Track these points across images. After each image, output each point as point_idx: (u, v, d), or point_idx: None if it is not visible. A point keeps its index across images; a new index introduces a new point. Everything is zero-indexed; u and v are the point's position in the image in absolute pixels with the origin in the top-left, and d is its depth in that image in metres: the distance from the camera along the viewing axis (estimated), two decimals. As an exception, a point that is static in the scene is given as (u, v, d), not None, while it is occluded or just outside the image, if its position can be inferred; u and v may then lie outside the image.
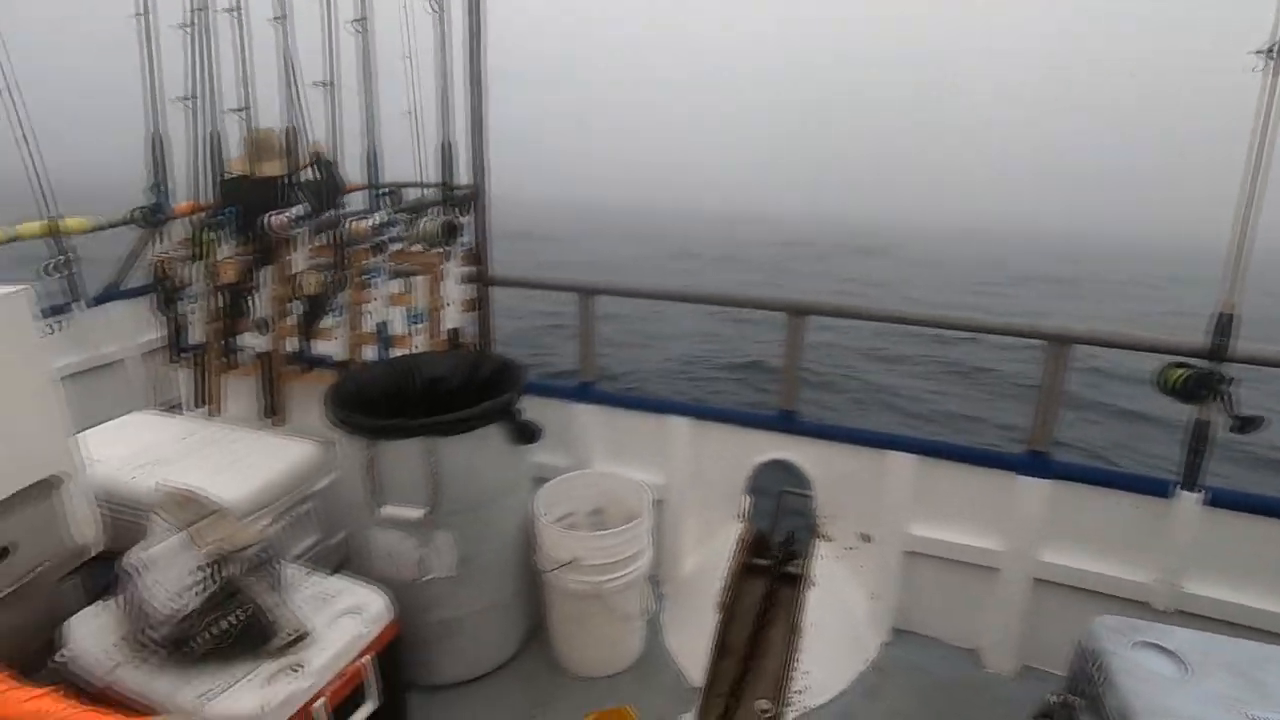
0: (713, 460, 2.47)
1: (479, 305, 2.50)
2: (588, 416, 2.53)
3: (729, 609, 2.32)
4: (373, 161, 2.49)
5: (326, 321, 2.64)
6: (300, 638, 1.68)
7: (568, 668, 2.25)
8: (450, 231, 2.36)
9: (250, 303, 2.70)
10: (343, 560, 2.33)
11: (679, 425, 2.44)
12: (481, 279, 2.48)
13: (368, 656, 1.75)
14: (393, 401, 2.25)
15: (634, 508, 2.27)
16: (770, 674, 2.20)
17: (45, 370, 1.73)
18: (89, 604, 1.81)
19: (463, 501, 1.98)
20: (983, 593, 2.28)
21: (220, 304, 2.72)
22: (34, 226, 3.21)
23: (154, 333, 3.75)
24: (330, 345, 2.65)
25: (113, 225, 3.41)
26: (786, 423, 2.35)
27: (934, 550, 2.30)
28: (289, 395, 2.79)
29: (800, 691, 2.14)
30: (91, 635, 1.71)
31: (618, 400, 2.52)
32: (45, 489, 1.74)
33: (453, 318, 2.49)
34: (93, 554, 1.88)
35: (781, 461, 2.40)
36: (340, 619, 1.78)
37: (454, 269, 2.48)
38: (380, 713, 1.77)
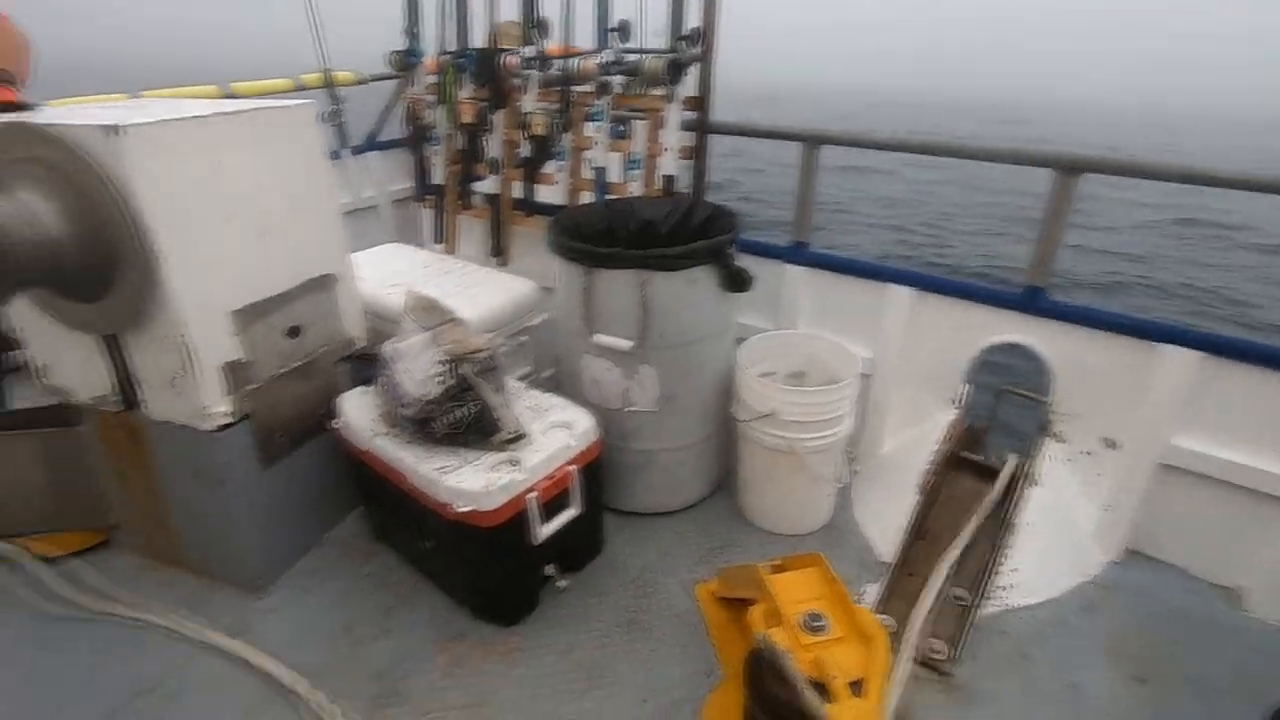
0: (933, 337, 2.24)
1: (696, 154, 2.41)
2: (798, 278, 2.40)
3: (931, 493, 2.18)
4: (602, 3, 2.43)
5: (549, 166, 2.73)
6: (519, 437, 1.84)
7: (754, 520, 2.27)
8: (674, 69, 2.26)
9: (484, 145, 2.86)
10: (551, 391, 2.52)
11: (899, 295, 2.23)
12: (701, 126, 2.38)
13: (574, 467, 1.88)
14: (607, 240, 2.29)
15: (838, 374, 2.15)
16: (970, 566, 2.06)
17: (327, 176, 1.97)
18: (354, 388, 2.13)
19: (669, 339, 2.00)
20: (1262, 525, 1.89)
21: (458, 146, 2.91)
22: (313, 77, 3.62)
23: (404, 181, 4.18)
24: (552, 191, 2.75)
25: (375, 78, 3.76)
26: (1031, 301, 2.05)
27: (1200, 467, 1.94)
28: (513, 238, 2.98)
29: (1005, 588, 1.98)
30: (356, 410, 2.01)
31: (833, 263, 2.36)
32: (326, 284, 2.03)
33: (669, 165, 2.44)
34: (357, 349, 2.19)
35: (1018, 346, 2.12)
36: (552, 429, 1.92)
37: (675, 114, 2.40)
38: (580, 520, 1.93)
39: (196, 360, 1.69)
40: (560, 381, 2.37)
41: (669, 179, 2.45)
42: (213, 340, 1.73)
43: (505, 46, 2.66)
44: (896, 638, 1.85)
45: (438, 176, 3.06)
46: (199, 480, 1.87)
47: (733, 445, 2.29)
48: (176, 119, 1.56)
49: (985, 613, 1.92)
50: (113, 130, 1.45)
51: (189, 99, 3.18)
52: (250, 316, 1.81)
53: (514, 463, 1.80)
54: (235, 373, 1.79)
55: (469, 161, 2.91)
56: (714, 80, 2.36)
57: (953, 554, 1.95)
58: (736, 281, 2.01)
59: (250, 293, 1.80)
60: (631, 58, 2.42)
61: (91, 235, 1.55)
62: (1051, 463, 2.16)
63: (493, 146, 2.83)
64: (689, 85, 2.38)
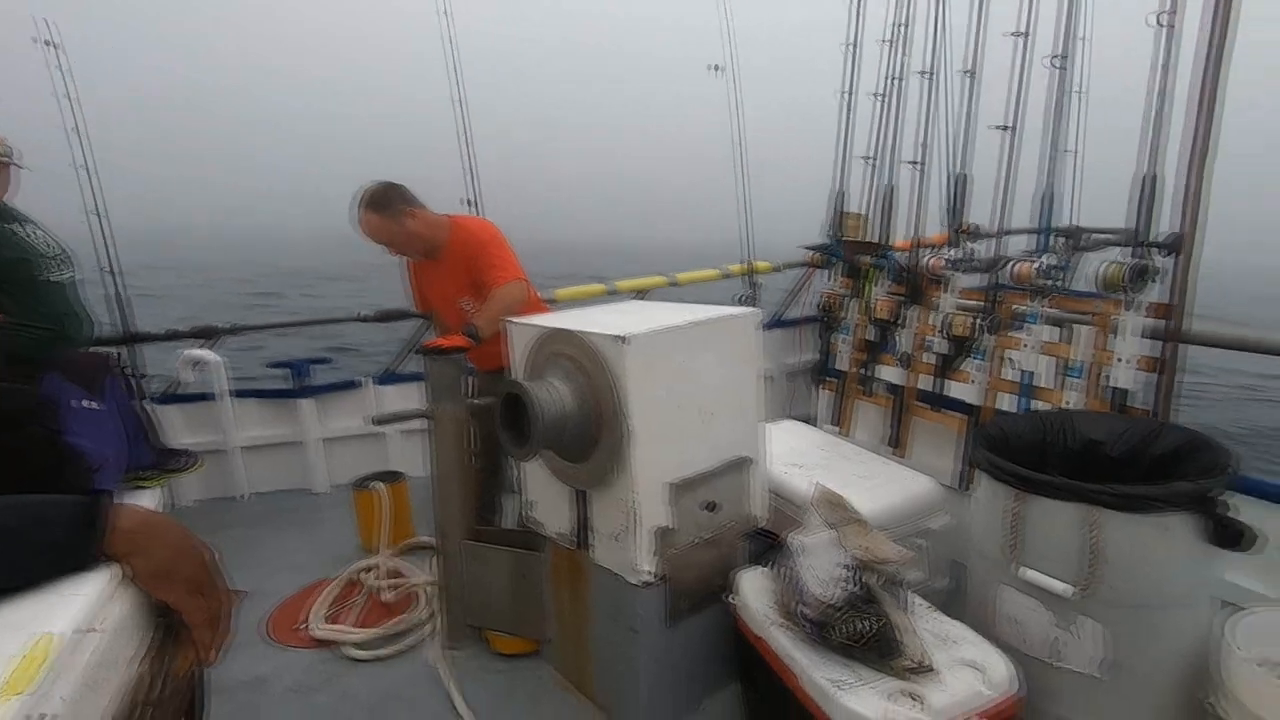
0: None
1: (1162, 367, 2.07)
2: None
3: None
4: (1048, 201, 2.35)
5: (965, 364, 2.63)
6: (924, 669, 1.68)
7: None
8: (1140, 276, 2.02)
9: (894, 338, 2.91)
10: (942, 606, 2.28)
11: None
12: (1173, 335, 2.05)
13: (984, 721, 1.63)
14: (1038, 456, 2.06)
15: None
16: None
17: (757, 370, 2.22)
18: (749, 565, 2.24)
19: (1123, 594, 1.66)
20: None
21: (867, 337, 3.02)
22: (737, 267, 4.21)
23: (796, 356, 4.47)
24: (964, 388, 2.63)
25: (788, 266, 4.22)
26: None
27: None
28: (914, 430, 2.90)
29: None
30: (753, 591, 2.10)
31: None
32: (742, 465, 2.23)
33: (1122, 377, 2.13)
34: (759, 526, 2.31)
35: None
36: (960, 668, 1.71)
37: (1131, 320, 2.12)
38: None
39: (638, 522, 1.98)
40: (962, 603, 2.14)
41: (1121, 393, 2.14)
42: (652, 508, 2.01)
43: (928, 247, 2.74)
44: None
45: (842, 362, 3.19)
46: (616, 624, 2.13)
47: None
48: (664, 329, 1.95)
49: None
50: (621, 339, 1.87)
51: (650, 285, 3.95)
52: (681, 490, 2.07)
53: (915, 697, 1.64)
54: (662, 538, 2.05)
55: (876, 352, 2.99)
56: (1194, 288, 2.04)
57: None
58: (1229, 538, 1.60)
59: (685, 469, 2.07)
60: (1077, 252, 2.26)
61: (589, 412, 1.99)
62: None
63: (903, 340, 2.86)
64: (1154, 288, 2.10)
